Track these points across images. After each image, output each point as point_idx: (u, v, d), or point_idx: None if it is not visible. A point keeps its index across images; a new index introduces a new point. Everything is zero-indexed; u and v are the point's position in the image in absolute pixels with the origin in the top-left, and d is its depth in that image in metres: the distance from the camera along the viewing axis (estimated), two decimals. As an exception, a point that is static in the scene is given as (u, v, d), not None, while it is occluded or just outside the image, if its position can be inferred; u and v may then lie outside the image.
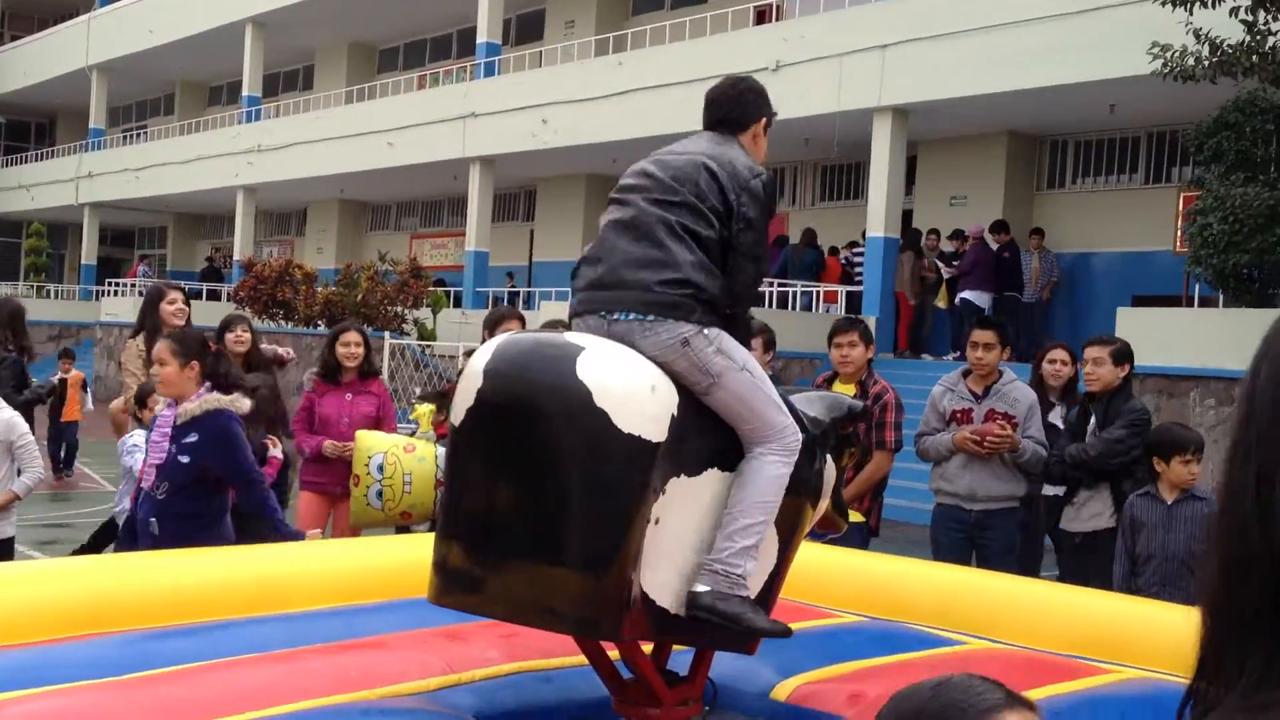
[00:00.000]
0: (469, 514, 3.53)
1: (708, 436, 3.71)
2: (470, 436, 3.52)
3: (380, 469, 7.00)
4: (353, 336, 7.52)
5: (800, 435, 3.80)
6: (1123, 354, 6.52)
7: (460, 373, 3.82)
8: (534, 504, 3.41)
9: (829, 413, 4.12)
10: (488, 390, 3.48)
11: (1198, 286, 14.69)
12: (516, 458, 3.44)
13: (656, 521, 3.52)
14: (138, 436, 6.80)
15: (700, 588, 3.64)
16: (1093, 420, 6.46)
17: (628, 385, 3.45)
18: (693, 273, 3.66)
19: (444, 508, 3.70)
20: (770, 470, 3.71)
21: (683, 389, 3.64)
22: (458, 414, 3.56)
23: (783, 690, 4.16)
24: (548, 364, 3.44)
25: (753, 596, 3.82)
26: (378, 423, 7.49)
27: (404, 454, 7.10)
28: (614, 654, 3.92)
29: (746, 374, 3.72)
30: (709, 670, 4.04)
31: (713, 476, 3.72)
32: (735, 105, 4.02)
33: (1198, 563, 5.00)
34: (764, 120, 4.05)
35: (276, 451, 6.51)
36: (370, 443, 7.13)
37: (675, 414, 3.53)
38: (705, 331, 3.65)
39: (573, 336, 3.57)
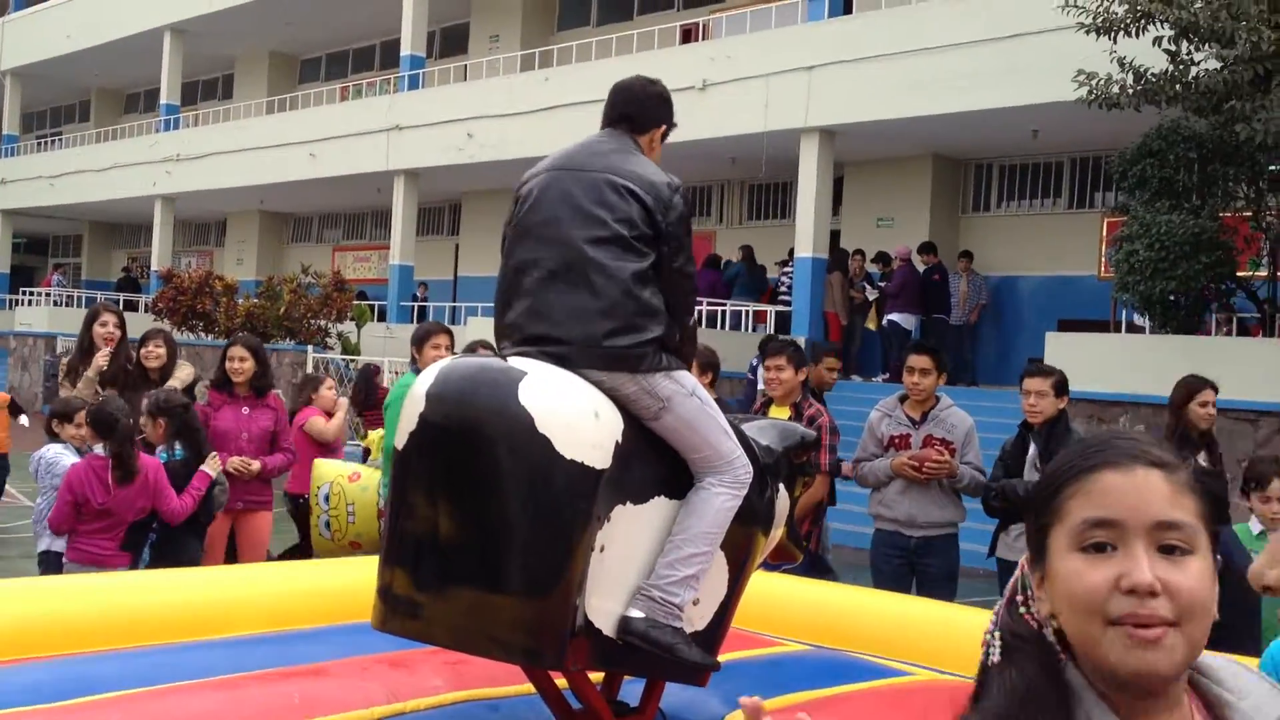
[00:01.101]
0: (411, 539, 3.47)
1: (655, 464, 3.67)
2: (412, 461, 3.47)
3: (326, 499, 6.93)
4: (238, 351, 7.31)
5: (751, 467, 3.76)
6: (1063, 385, 6.58)
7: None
8: (475, 530, 3.36)
9: (781, 441, 4.09)
10: (429, 414, 3.43)
11: (1124, 312, 14.90)
12: (458, 483, 3.39)
13: (601, 549, 3.48)
14: (54, 451, 6.62)
15: (634, 613, 3.58)
16: (1032, 450, 6.49)
17: (570, 411, 3.40)
18: (638, 318, 3.59)
19: (387, 533, 3.63)
20: (718, 502, 3.65)
21: (630, 416, 3.59)
22: (400, 438, 3.51)
23: (733, 721, 4.11)
24: (490, 389, 3.39)
25: (702, 626, 3.77)
26: (274, 438, 7.34)
27: (348, 483, 7.02)
28: (563, 683, 3.86)
29: (695, 400, 3.67)
30: (659, 701, 3.98)
31: (660, 504, 3.67)
32: (643, 105, 3.94)
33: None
34: (664, 128, 3.99)
35: (208, 467, 6.35)
36: (320, 472, 7.07)
37: (620, 441, 3.49)
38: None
39: (516, 361, 3.52)
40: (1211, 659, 1.52)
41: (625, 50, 22.50)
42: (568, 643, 3.41)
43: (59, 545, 6.27)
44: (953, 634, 4.97)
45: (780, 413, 6.79)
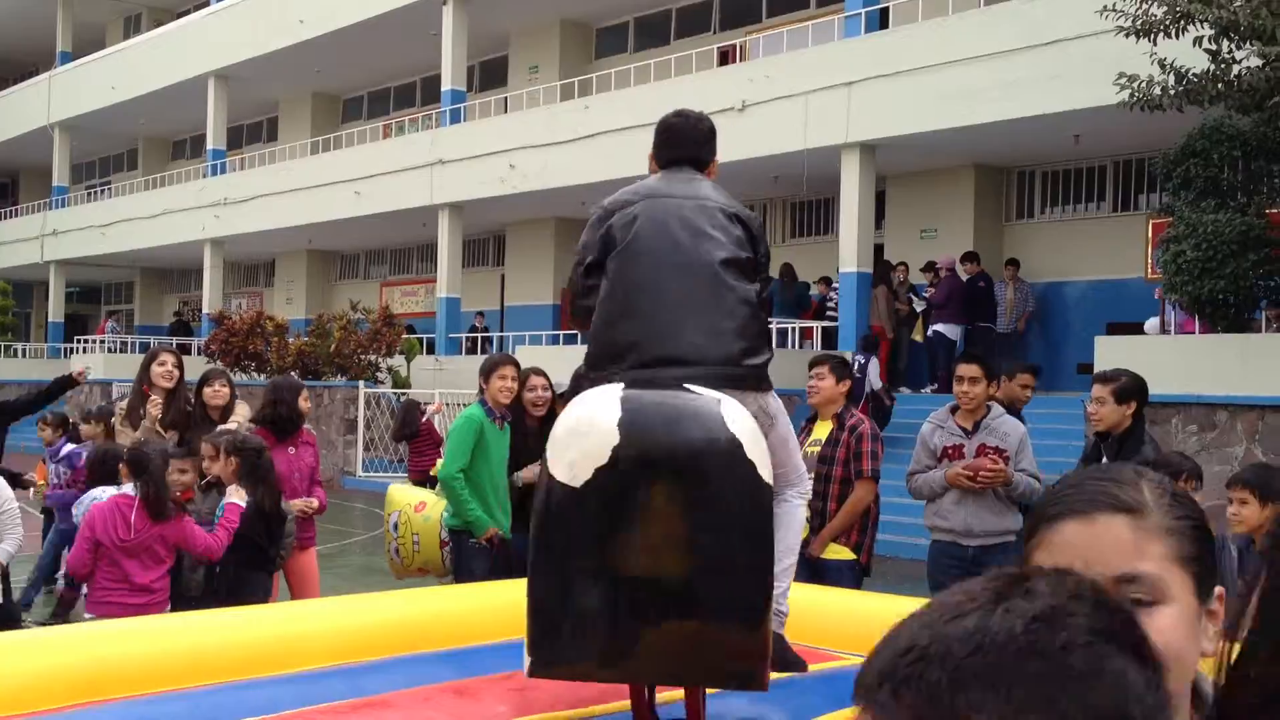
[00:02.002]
0: (611, 578, 3.35)
1: None
2: (604, 495, 3.34)
3: (396, 527, 7.09)
4: (305, 390, 7.49)
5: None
6: (1126, 391, 6.28)
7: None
8: (697, 562, 3.31)
9: None
10: (626, 446, 3.33)
11: (1174, 313, 14.79)
12: (673, 516, 3.32)
13: None
14: (104, 493, 6.60)
15: None
16: (1103, 461, 6.42)
17: (759, 435, 3.42)
18: (759, 339, 3.75)
19: (561, 570, 3.41)
20: (799, 513, 3.92)
21: None
22: (580, 472, 3.36)
23: (800, 735, 4.12)
24: (695, 419, 3.36)
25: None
26: (314, 471, 7.41)
27: (414, 513, 7.16)
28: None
29: (785, 417, 3.90)
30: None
31: None
32: (701, 146, 4.02)
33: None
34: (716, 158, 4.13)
35: (236, 498, 6.29)
36: (393, 497, 7.29)
37: None
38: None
39: (696, 388, 3.48)
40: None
41: (664, 75, 22.62)
42: (768, 662, 3.42)
43: None
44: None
45: (824, 426, 6.83)
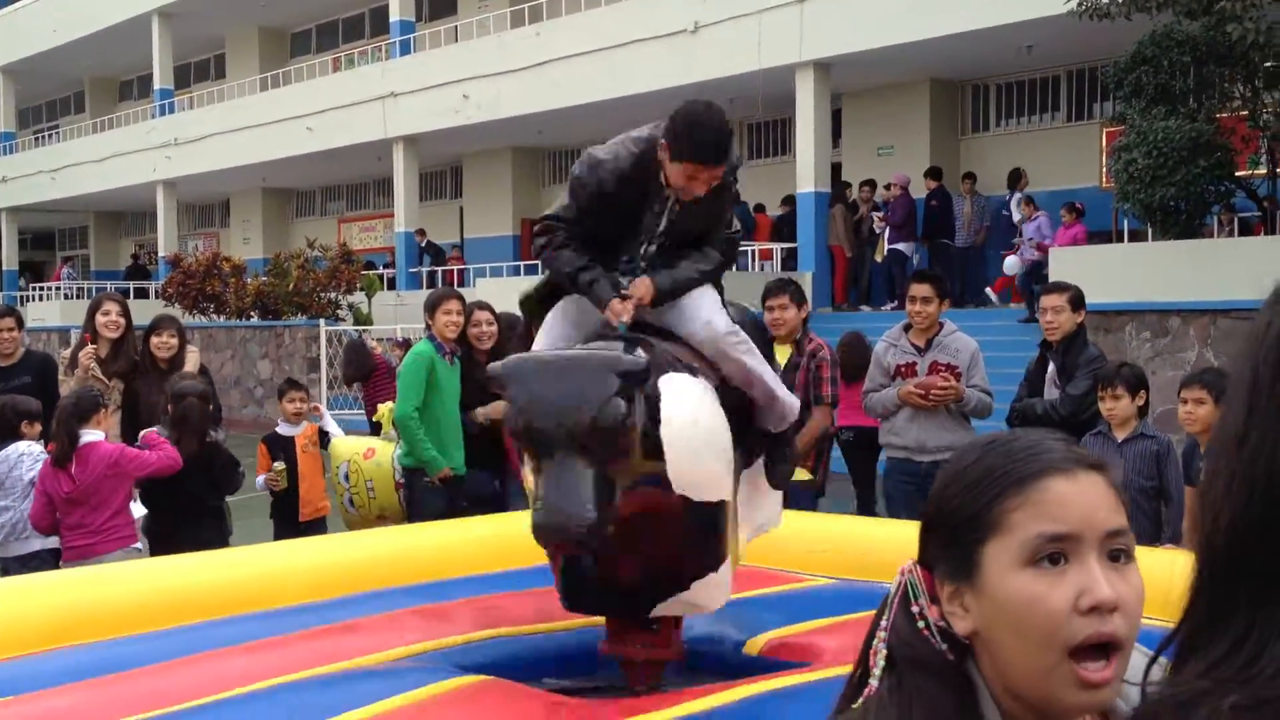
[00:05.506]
0: None
1: None
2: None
3: (347, 478, 7.07)
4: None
5: None
6: (1079, 300, 6.57)
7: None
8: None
9: None
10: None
11: (1126, 221, 14.91)
12: None
13: None
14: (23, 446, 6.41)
15: None
16: (1051, 368, 6.55)
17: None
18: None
19: None
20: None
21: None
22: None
23: (754, 646, 4.22)
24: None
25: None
26: None
27: (364, 461, 7.16)
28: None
29: None
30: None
31: None
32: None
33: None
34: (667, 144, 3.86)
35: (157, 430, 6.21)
36: (338, 451, 7.22)
37: None
38: None
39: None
40: None
41: (615, -2, 22.40)
42: None
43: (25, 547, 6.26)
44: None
45: (783, 350, 6.88)
